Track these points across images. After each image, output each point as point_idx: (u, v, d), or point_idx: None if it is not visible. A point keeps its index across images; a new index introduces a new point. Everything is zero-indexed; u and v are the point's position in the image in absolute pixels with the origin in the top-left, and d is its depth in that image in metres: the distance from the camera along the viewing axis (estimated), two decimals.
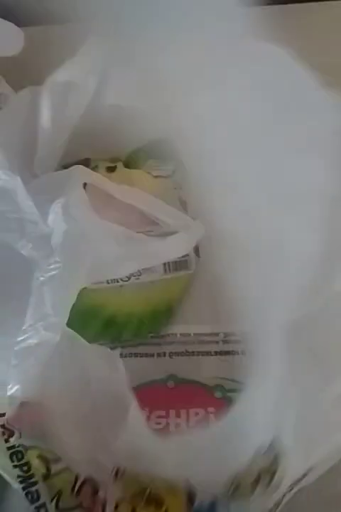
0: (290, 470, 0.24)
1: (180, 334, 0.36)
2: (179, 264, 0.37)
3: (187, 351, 0.35)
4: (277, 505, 0.24)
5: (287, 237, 0.22)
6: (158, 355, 0.35)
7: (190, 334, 0.36)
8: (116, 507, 0.26)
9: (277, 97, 0.21)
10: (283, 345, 0.23)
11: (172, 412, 0.31)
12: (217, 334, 0.35)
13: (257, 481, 0.23)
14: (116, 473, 0.26)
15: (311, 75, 0.23)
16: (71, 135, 0.36)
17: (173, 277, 0.36)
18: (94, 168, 0.37)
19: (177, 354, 0.35)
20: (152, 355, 0.35)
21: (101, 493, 0.26)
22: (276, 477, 0.23)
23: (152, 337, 0.36)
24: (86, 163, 0.37)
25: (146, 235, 0.35)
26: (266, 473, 0.23)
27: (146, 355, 0.35)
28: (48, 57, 0.34)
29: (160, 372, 0.34)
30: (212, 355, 0.35)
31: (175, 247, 0.33)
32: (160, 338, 0.36)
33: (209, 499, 0.24)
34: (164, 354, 0.35)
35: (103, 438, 0.28)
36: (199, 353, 0.35)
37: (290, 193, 0.21)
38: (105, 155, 0.38)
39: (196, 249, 0.40)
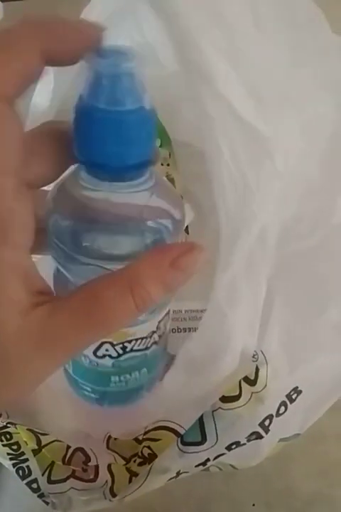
0: (274, 382, 0.24)
1: (172, 311, 0.36)
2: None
3: (178, 328, 0.35)
4: (267, 423, 0.25)
5: (293, 167, 0.21)
6: None
7: (181, 311, 0.36)
8: (109, 468, 0.26)
9: (291, 39, 0.20)
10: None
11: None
12: None
13: (240, 390, 0.24)
14: (108, 441, 0.27)
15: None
16: (57, 112, 0.36)
17: None
18: None
19: (169, 331, 0.35)
20: None
21: (92, 461, 0.26)
22: (259, 386, 0.24)
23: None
24: None
25: None
26: (247, 381, 0.24)
27: None
28: None
29: None
30: None
31: None
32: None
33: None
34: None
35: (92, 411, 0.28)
36: (190, 329, 0.35)
37: (301, 123, 0.21)
38: None
39: (185, 228, 0.41)
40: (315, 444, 0.32)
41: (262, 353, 0.24)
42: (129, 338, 0.25)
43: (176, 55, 0.18)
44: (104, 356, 0.25)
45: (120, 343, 0.25)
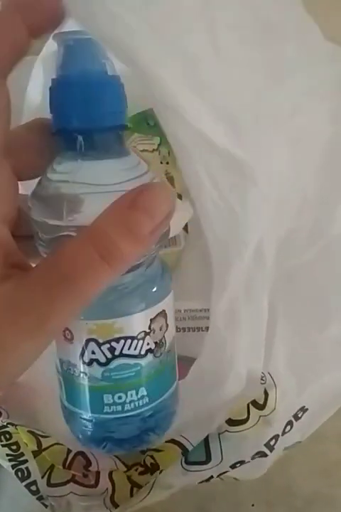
0: (283, 404, 0.24)
1: None
2: (168, 241, 0.37)
3: (177, 328, 0.35)
4: (273, 443, 0.25)
5: (284, 181, 0.21)
6: None
7: (180, 310, 0.36)
8: (110, 476, 0.26)
9: (280, 45, 0.20)
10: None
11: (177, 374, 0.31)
12: (207, 310, 0.36)
13: (248, 413, 0.24)
14: None
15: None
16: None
17: (162, 253, 0.36)
18: None
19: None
20: None
21: (93, 466, 0.26)
22: (268, 410, 0.24)
23: None
24: None
25: None
26: (256, 405, 0.24)
27: None
28: None
29: None
30: (203, 330, 0.35)
31: None
32: None
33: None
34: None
35: None
36: (189, 329, 0.35)
37: (289, 137, 0.21)
38: None
39: (185, 226, 0.41)
40: (316, 443, 0.32)
41: (270, 375, 0.24)
42: (116, 336, 0.23)
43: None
44: (91, 362, 0.24)
45: (107, 342, 0.23)
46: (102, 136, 0.21)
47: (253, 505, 0.32)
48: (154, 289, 0.24)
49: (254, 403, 0.24)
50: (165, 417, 0.26)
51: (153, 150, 0.38)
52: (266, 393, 0.24)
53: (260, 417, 0.24)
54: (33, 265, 0.20)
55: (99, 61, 0.21)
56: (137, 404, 0.25)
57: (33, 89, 0.34)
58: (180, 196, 0.38)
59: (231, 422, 0.24)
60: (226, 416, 0.24)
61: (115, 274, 0.18)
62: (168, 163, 0.39)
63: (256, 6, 0.20)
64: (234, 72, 0.19)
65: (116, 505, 0.26)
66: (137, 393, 0.24)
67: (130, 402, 0.24)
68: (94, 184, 0.21)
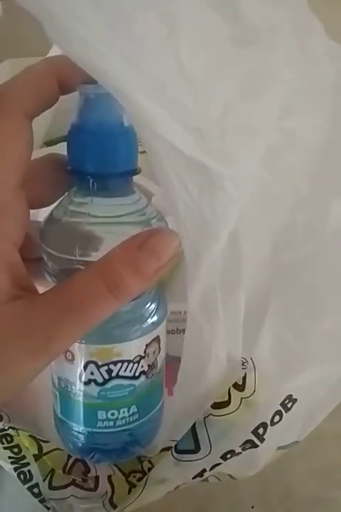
0: (265, 389, 0.25)
1: (171, 312, 0.36)
2: None
3: (178, 329, 0.36)
4: (261, 432, 0.25)
5: (280, 177, 0.22)
6: None
7: (180, 312, 0.36)
8: (109, 480, 0.27)
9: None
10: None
11: (164, 391, 0.31)
12: None
13: (229, 396, 0.25)
14: None
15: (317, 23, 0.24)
16: (53, 112, 0.36)
17: None
18: None
19: (168, 332, 0.35)
20: None
21: (92, 473, 0.27)
22: (248, 391, 0.25)
23: None
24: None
25: None
26: (236, 387, 0.25)
27: None
28: (26, 29, 0.33)
29: None
30: None
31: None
32: None
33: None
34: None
35: None
36: None
37: (279, 138, 0.22)
38: None
39: None
40: (315, 445, 0.33)
41: (251, 360, 0.25)
42: (115, 359, 0.25)
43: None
44: (89, 382, 0.25)
45: (105, 365, 0.25)
46: (114, 180, 0.24)
47: (252, 507, 0.32)
48: (151, 319, 0.27)
49: (234, 385, 0.25)
50: (151, 430, 0.29)
51: (143, 151, 0.38)
52: (245, 375, 0.25)
53: (241, 399, 0.25)
54: (38, 287, 0.22)
55: (115, 113, 0.23)
56: (128, 420, 0.27)
57: None
58: None
59: (214, 405, 0.25)
60: (211, 401, 0.25)
61: (120, 306, 0.20)
62: None
63: (242, 15, 0.21)
64: (201, 90, 0.20)
65: (114, 506, 0.26)
66: (129, 410, 0.26)
67: (122, 418, 0.26)
68: (102, 216, 0.24)
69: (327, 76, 0.24)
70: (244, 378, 0.25)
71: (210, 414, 0.25)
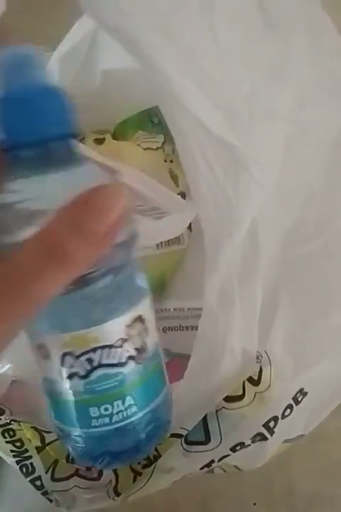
0: (279, 384, 0.25)
1: (174, 309, 0.36)
2: (171, 240, 0.37)
3: (181, 326, 0.36)
4: (272, 425, 0.25)
5: (288, 172, 0.22)
6: None
7: (183, 309, 0.36)
8: (114, 469, 0.26)
9: (291, 39, 0.21)
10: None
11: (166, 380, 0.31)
12: None
13: (243, 390, 0.25)
14: None
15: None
16: None
17: (166, 252, 0.37)
18: (81, 140, 0.37)
19: (171, 329, 0.36)
20: None
21: None
22: (263, 386, 0.25)
23: None
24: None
25: (137, 210, 0.36)
26: (251, 381, 0.25)
27: None
28: (31, 20, 0.33)
29: None
30: None
31: (167, 229, 0.34)
32: None
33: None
34: (158, 329, 0.36)
35: None
36: (193, 328, 0.36)
37: (294, 129, 0.22)
38: (92, 126, 0.38)
39: (188, 224, 0.41)
40: (317, 443, 0.33)
41: (266, 354, 0.25)
42: (92, 346, 0.22)
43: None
44: (71, 376, 0.23)
45: (83, 354, 0.23)
46: (50, 147, 0.21)
47: (254, 504, 0.33)
48: (127, 295, 0.24)
49: (249, 379, 0.25)
50: (160, 427, 0.26)
51: (157, 148, 0.39)
52: (260, 369, 0.25)
53: (256, 393, 0.25)
54: None
55: (39, 74, 0.21)
56: (125, 414, 0.24)
57: None
58: (183, 195, 0.38)
59: (227, 399, 0.25)
60: (224, 394, 0.25)
61: (66, 275, 0.17)
62: (172, 161, 0.39)
63: (265, 3, 0.21)
64: (232, 65, 0.20)
65: (118, 494, 0.26)
66: (123, 403, 0.24)
67: (117, 412, 0.24)
68: (44, 198, 0.20)
69: (339, 72, 0.24)
70: (260, 373, 0.25)
71: (223, 407, 0.25)
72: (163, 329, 0.36)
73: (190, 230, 0.40)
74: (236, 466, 0.26)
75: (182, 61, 0.19)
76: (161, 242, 0.37)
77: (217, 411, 0.25)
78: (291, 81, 0.22)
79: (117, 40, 0.19)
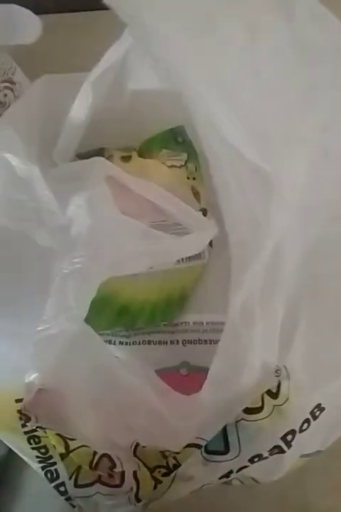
0: (297, 397, 0.26)
1: (193, 322, 0.37)
2: (192, 255, 0.38)
3: (200, 339, 0.37)
4: (289, 438, 0.26)
5: (310, 192, 0.23)
6: (172, 342, 0.36)
7: (202, 323, 0.37)
8: (135, 475, 0.27)
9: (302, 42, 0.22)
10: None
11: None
12: None
13: (262, 402, 0.26)
14: (135, 449, 0.28)
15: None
16: (91, 124, 0.37)
17: (187, 267, 0.38)
18: (109, 158, 0.38)
19: (190, 342, 0.36)
20: (165, 343, 0.37)
21: (118, 468, 0.28)
22: (281, 399, 0.25)
23: (165, 325, 0.37)
24: (100, 152, 0.39)
25: (160, 225, 0.37)
26: (270, 394, 0.26)
27: (160, 342, 0.37)
28: (64, 46, 0.35)
29: (174, 359, 0.36)
30: None
31: (188, 246, 0.35)
32: (173, 326, 0.37)
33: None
34: (177, 342, 0.36)
35: (120, 422, 0.29)
36: (212, 341, 0.36)
37: (319, 151, 0.23)
38: (119, 144, 0.40)
39: (209, 241, 0.42)
40: (332, 459, 0.33)
41: (285, 368, 0.26)
42: None
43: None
44: None
45: None
46: None
47: None
48: None
49: (268, 392, 0.26)
50: None
51: (181, 166, 0.40)
52: (279, 383, 0.26)
53: (274, 406, 0.26)
54: None
55: None
56: None
57: (80, 107, 0.36)
58: (204, 212, 0.39)
59: (247, 411, 0.26)
60: (244, 406, 0.26)
61: None
62: (194, 178, 0.40)
63: (295, 31, 0.22)
64: (268, 94, 0.22)
65: (139, 501, 0.27)
66: None
67: None
68: None
69: None
70: (279, 386, 0.26)
71: (242, 418, 0.26)
72: (183, 342, 0.37)
73: (211, 246, 0.41)
74: (253, 478, 0.27)
75: (222, 91, 0.20)
76: (182, 258, 0.38)
77: (236, 422, 0.25)
78: (318, 106, 0.23)
79: (161, 67, 0.20)
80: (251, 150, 0.21)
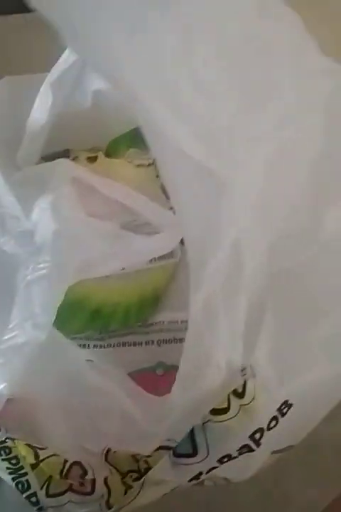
0: (264, 395, 0.25)
1: (168, 322, 0.37)
2: (164, 254, 0.38)
3: (175, 338, 0.36)
4: (258, 437, 0.26)
5: (270, 190, 0.23)
6: (146, 343, 0.36)
7: (177, 321, 0.37)
8: (106, 482, 0.27)
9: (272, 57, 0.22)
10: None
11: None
12: None
13: (228, 403, 0.25)
14: (107, 454, 0.28)
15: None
16: (53, 126, 0.37)
17: (159, 266, 0.38)
18: (75, 159, 0.38)
19: (166, 342, 0.36)
20: (140, 344, 0.36)
21: (89, 475, 0.27)
22: (247, 398, 0.25)
23: (140, 326, 0.37)
24: (66, 154, 0.38)
25: (131, 225, 0.37)
26: (236, 394, 0.25)
27: (134, 344, 0.36)
28: (20, 47, 0.34)
29: (149, 360, 0.35)
30: None
31: (159, 245, 0.35)
32: (147, 326, 0.37)
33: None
34: (152, 342, 0.36)
35: (92, 427, 0.29)
36: None
37: (277, 148, 0.23)
38: (85, 145, 0.39)
39: (181, 239, 0.42)
40: (312, 454, 0.33)
41: (251, 367, 0.25)
42: None
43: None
44: None
45: None
46: None
47: None
48: None
49: (234, 392, 0.25)
50: None
51: (149, 164, 0.39)
52: (244, 382, 0.25)
53: (241, 406, 0.25)
54: None
55: None
56: None
57: (40, 109, 0.35)
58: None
59: (213, 412, 0.25)
60: (210, 407, 0.25)
61: None
62: None
63: (246, 33, 0.22)
64: (210, 99, 0.21)
65: (110, 507, 0.27)
66: None
67: None
68: None
69: (321, 90, 0.25)
70: (244, 386, 0.25)
71: (209, 419, 0.25)
72: (158, 342, 0.36)
73: (182, 244, 0.41)
74: (225, 478, 0.27)
75: (164, 95, 0.20)
76: (154, 257, 0.37)
77: (203, 423, 0.25)
78: (271, 104, 0.23)
79: (100, 73, 0.20)
80: (199, 151, 0.21)
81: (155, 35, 0.19)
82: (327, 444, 0.35)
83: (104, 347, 0.36)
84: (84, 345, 0.36)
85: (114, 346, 0.36)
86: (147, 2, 0.19)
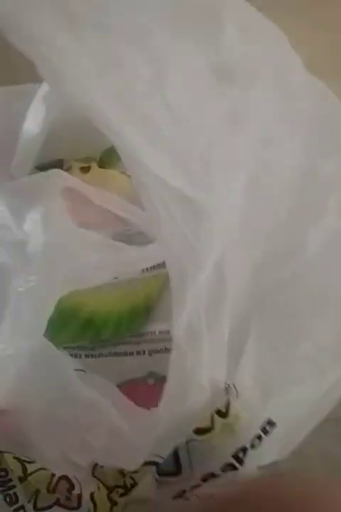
0: (247, 414, 0.26)
1: (159, 332, 0.37)
2: (156, 264, 0.38)
3: (166, 348, 0.36)
4: (241, 455, 0.26)
5: (260, 204, 0.24)
6: (138, 353, 0.36)
7: (168, 331, 0.37)
8: (92, 497, 0.27)
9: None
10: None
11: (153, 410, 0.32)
12: None
13: (212, 422, 0.25)
14: (94, 468, 0.28)
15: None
16: (47, 137, 0.37)
17: (151, 275, 0.38)
18: (68, 169, 0.38)
19: (157, 352, 0.36)
20: (131, 354, 0.36)
21: (76, 490, 0.27)
22: (231, 418, 0.25)
23: (131, 336, 0.37)
24: (59, 164, 0.38)
25: (124, 234, 0.37)
26: (219, 413, 0.25)
27: (126, 353, 0.36)
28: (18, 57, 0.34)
29: (140, 370, 0.35)
30: None
31: (151, 255, 0.35)
32: (139, 336, 0.37)
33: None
34: (143, 352, 0.36)
35: (80, 440, 0.29)
36: (167, 350, 0.36)
37: (260, 168, 0.23)
38: (78, 155, 0.39)
39: None
40: (300, 464, 0.33)
41: (234, 386, 0.25)
42: None
43: None
44: None
45: None
46: None
47: None
48: None
49: (218, 411, 0.25)
50: None
51: None
52: (228, 401, 0.25)
53: (224, 425, 0.25)
54: None
55: None
56: None
57: (33, 122, 0.35)
58: None
59: (197, 431, 0.25)
60: (194, 425, 0.25)
61: None
62: None
63: (225, 58, 0.22)
64: (185, 126, 0.22)
65: None
66: None
67: None
68: None
69: (304, 109, 0.25)
70: (228, 405, 0.25)
71: (192, 439, 0.25)
72: (149, 352, 0.36)
73: None
74: (209, 494, 0.27)
75: (138, 124, 0.21)
76: (146, 267, 0.37)
77: (187, 442, 0.25)
78: (255, 123, 0.23)
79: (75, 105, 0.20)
80: (175, 179, 0.21)
81: (128, 68, 0.20)
82: (314, 455, 0.35)
83: (96, 356, 0.36)
84: (75, 355, 0.36)
85: (105, 356, 0.36)
86: (123, 39, 0.20)
